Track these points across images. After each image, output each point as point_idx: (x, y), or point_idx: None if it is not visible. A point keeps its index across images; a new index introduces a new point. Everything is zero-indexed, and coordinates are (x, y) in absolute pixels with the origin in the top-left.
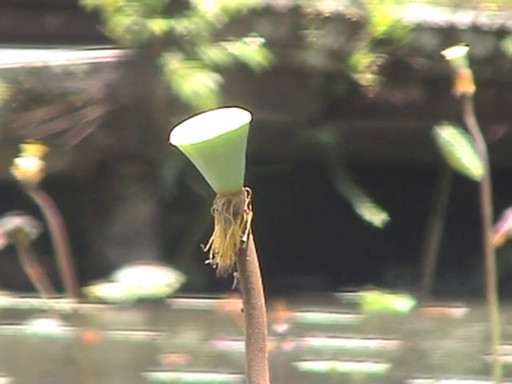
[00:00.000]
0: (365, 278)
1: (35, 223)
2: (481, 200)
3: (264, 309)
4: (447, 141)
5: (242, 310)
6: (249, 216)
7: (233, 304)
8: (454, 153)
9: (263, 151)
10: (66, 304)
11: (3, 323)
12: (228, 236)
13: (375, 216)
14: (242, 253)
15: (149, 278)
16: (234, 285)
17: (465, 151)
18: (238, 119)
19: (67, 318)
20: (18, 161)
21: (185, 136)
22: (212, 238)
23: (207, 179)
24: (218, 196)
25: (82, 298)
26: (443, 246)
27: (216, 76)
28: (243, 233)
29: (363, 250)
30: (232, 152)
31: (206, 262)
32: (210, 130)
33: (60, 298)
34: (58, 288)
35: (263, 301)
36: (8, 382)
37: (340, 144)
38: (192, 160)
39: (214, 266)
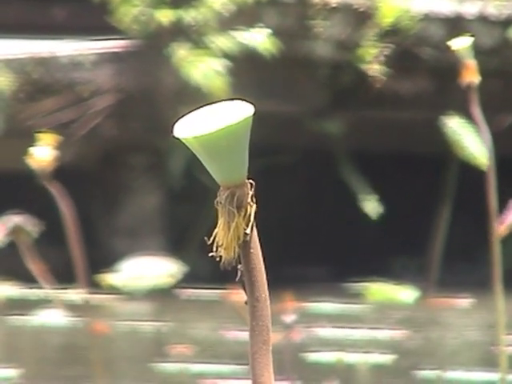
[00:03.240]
0: (372, 269)
1: (36, 221)
2: (487, 190)
3: (268, 301)
4: (454, 130)
5: (246, 303)
6: (252, 209)
7: (240, 295)
8: (461, 142)
9: (270, 141)
10: (74, 294)
11: (12, 314)
12: (232, 229)
13: (373, 208)
14: (245, 245)
15: (152, 269)
16: (237, 277)
17: (472, 140)
18: (241, 112)
19: (75, 308)
20: (32, 150)
21: (188, 129)
22: (216, 230)
23: (210, 172)
24: (221, 189)
25: (90, 288)
26: (450, 237)
27: (225, 61)
28: (247, 225)
29: (370, 241)
30: (235, 145)
31: (210, 254)
32: (212, 122)
33: (68, 288)
34: (66, 278)
35: (267, 293)
36: (16, 372)
37: (347, 134)
38: (195, 153)
39: (218, 259)
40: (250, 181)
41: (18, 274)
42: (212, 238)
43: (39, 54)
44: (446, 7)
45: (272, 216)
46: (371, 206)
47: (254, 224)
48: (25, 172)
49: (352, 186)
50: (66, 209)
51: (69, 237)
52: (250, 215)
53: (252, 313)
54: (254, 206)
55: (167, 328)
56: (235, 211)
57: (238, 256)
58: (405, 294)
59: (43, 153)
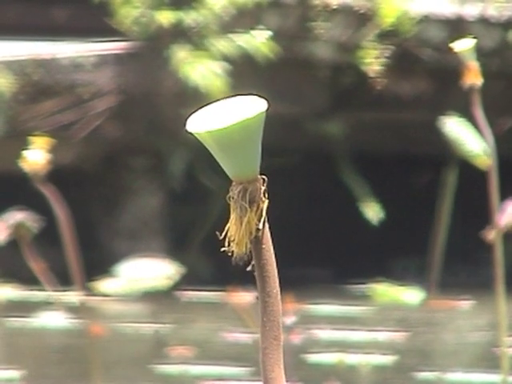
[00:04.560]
0: (372, 271)
1: (37, 218)
2: (488, 191)
3: (279, 297)
4: (453, 129)
5: (258, 298)
6: (264, 204)
7: (239, 296)
8: (459, 141)
9: (271, 143)
10: (73, 296)
11: (11, 316)
12: (244, 224)
13: (374, 214)
14: (257, 241)
15: (150, 271)
16: (250, 267)
17: (471, 139)
18: (254, 107)
19: (75, 310)
20: (25, 153)
21: (201, 123)
22: (228, 225)
23: (223, 167)
24: (233, 184)
25: (90, 290)
26: (451, 238)
27: (224, 64)
28: (259, 221)
29: (372, 242)
30: (248, 140)
31: (222, 249)
32: (226, 117)
33: (68, 290)
34: (65, 280)
35: (278, 289)
36: (17, 374)
37: (348, 136)
38: (208, 147)
39: (230, 254)
40: (263, 176)
41: (18, 275)
42: (224, 233)
43: (40, 55)
44: (447, 9)
45: (273, 217)
46: (372, 212)
47: (266, 219)
48: (25, 174)
49: (353, 191)
50: (60, 211)
51: (64, 239)
52: (262, 210)
53: (263, 308)
54: (267, 202)
55: (167, 330)
56: (247, 206)
57: (250, 251)
58: (410, 295)
59: (36, 156)
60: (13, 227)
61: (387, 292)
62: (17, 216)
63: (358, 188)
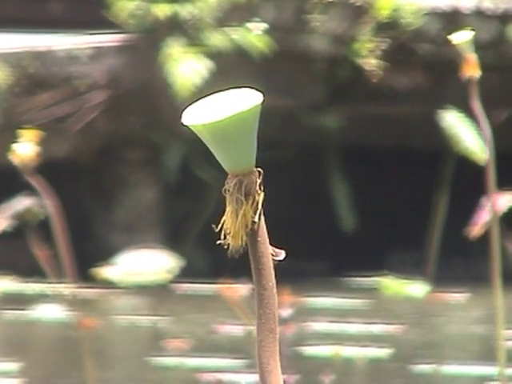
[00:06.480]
0: (369, 264)
1: (44, 203)
2: (486, 184)
3: (275, 290)
4: (451, 124)
5: (254, 291)
6: (260, 197)
7: (233, 289)
8: (457, 136)
9: (267, 136)
10: (68, 289)
11: (8, 308)
12: (239, 216)
13: (348, 222)
14: (253, 233)
15: (149, 264)
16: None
17: (469, 134)
18: (250, 100)
19: (71, 302)
20: (14, 146)
21: (197, 116)
22: (223, 218)
23: (219, 159)
24: (229, 176)
25: (86, 282)
26: (448, 232)
27: (209, 63)
28: (254, 213)
29: (368, 235)
30: (244, 132)
31: (218, 242)
32: (221, 110)
33: (63, 283)
34: (61, 273)
35: (274, 282)
36: (14, 366)
37: (344, 129)
38: (204, 140)
39: (226, 247)
40: (258, 169)
41: (14, 268)
42: (220, 226)
43: (36, 48)
44: (443, 2)
45: (269, 210)
46: (347, 220)
47: (262, 212)
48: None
49: (336, 194)
50: (51, 203)
51: (55, 231)
52: (257, 203)
53: (259, 301)
54: (262, 194)
55: (163, 322)
56: (243, 199)
57: (246, 244)
58: (415, 288)
59: (25, 149)
60: (20, 213)
61: (392, 285)
62: (25, 202)
63: (340, 192)
